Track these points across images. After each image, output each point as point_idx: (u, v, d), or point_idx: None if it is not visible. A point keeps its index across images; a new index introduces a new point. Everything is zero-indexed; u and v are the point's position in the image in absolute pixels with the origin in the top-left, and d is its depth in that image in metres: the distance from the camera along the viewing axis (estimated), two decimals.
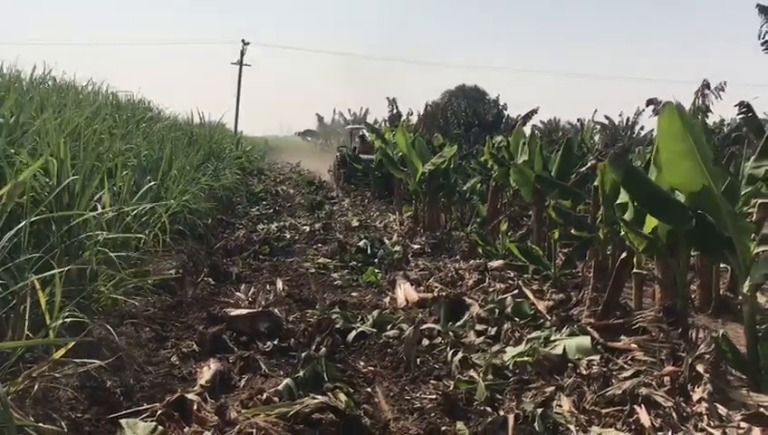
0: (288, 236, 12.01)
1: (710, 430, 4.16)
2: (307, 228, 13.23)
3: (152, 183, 7.67)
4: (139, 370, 4.72)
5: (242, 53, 49.02)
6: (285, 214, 15.73)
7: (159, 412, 3.67)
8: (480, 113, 37.24)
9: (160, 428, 3.49)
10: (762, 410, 4.30)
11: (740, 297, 7.39)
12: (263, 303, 6.89)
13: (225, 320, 5.86)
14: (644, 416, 4.35)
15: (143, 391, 4.41)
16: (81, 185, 5.28)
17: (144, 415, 3.75)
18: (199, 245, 9.59)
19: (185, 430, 3.60)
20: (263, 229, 12.29)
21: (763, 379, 4.82)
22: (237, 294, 7.36)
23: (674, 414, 4.34)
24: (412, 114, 30.86)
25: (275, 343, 5.65)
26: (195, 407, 3.83)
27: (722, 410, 4.36)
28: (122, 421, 3.53)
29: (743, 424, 4.15)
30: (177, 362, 5.07)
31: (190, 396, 3.97)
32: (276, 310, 6.43)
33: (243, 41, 49.24)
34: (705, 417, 4.29)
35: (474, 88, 46.76)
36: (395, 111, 29.87)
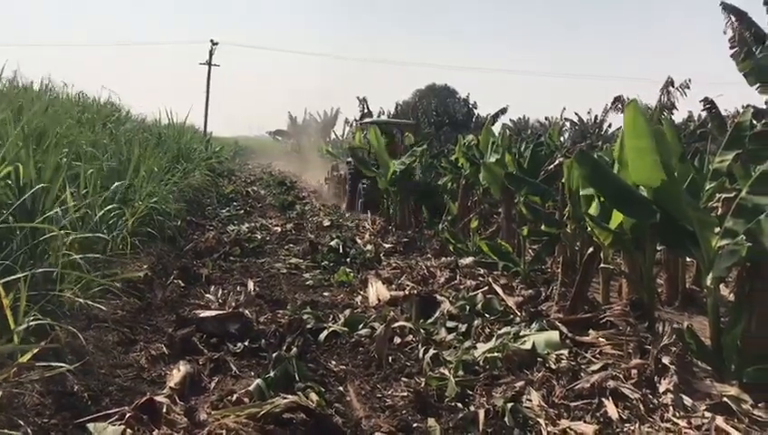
0: (259, 237, 11.94)
1: (676, 420, 4.24)
2: (278, 229, 13.17)
3: (118, 183, 7.56)
4: (107, 374, 4.65)
5: (210, 54, 48.57)
6: (256, 215, 15.65)
7: (128, 416, 3.62)
8: (450, 112, 37.41)
9: (129, 431, 3.45)
10: (725, 399, 4.40)
11: (705, 290, 7.56)
12: (233, 304, 6.85)
13: (195, 322, 5.81)
14: (612, 408, 4.42)
15: (111, 395, 4.34)
16: (44, 187, 5.20)
17: (112, 419, 3.69)
18: (169, 247, 9.49)
19: (154, 433, 3.56)
20: (233, 230, 12.20)
21: (727, 369, 4.92)
22: (207, 295, 7.31)
23: (641, 406, 4.43)
24: (383, 113, 30.91)
25: (246, 344, 5.62)
26: (164, 409, 3.79)
27: (687, 400, 4.46)
28: (90, 426, 3.49)
29: (707, 414, 4.24)
30: (147, 365, 5.01)
31: (159, 399, 3.93)
32: (247, 311, 6.39)
33: (211, 41, 48.78)
34: (671, 408, 4.38)
35: (444, 87, 46.97)
36: (366, 110, 29.87)
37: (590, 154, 6.37)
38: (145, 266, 7.61)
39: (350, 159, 19.00)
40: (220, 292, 7.43)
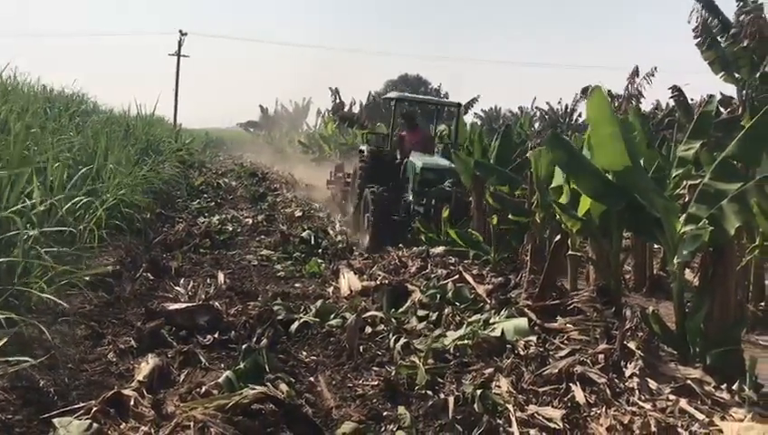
0: (230, 229, 11.85)
1: (641, 403, 4.32)
2: (250, 220, 13.07)
3: (84, 169, 7.45)
4: (73, 368, 4.61)
5: (179, 44, 47.99)
6: (227, 206, 15.51)
7: (94, 410, 3.59)
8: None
9: (95, 425, 3.42)
10: (689, 382, 4.50)
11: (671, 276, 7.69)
12: (203, 296, 6.81)
13: (164, 315, 5.75)
14: (579, 393, 4.49)
15: (78, 389, 4.30)
16: (8, 180, 5.11)
17: (79, 413, 3.66)
18: (137, 239, 9.38)
19: (121, 426, 3.54)
20: (203, 222, 12.09)
21: (691, 353, 5.03)
22: (177, 288, 7.25)
23: (607, 390, 4.49)
24: (355, 104, 30.86)
25: (216, 336, 5.57)
26: (132, 403, 3.76)
27: (652, 384, 4.55)
28: (55, 421, 3.45)
29: (671, 396, 4.33)
30: (114, 359, 4.96)
31: (127, 392, 3.90)
32: (217, 303, 6.35)
33: (180, 31, 48.16)
34: (637, 391, 4.46)
35: (416, 77, 47.05)
36: (338, 100, 29.77)
37: (562, 137, 6.42)
38: (113, 260, 7.53)
39: (362, 147, 14.15)
40: (190, 284, 7.37)
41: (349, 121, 26.29)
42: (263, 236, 11.53)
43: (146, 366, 4.62)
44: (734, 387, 4.45)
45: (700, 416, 4.02)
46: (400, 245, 10.04)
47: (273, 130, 49.64)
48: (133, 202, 9.66)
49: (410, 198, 11.56)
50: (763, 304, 7.62)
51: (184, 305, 5.98)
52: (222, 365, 5.03)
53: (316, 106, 47.05)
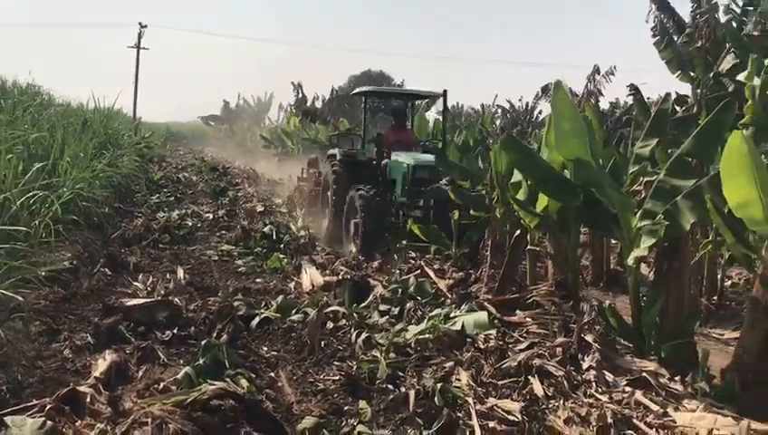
0: (190, 224, 11.71)
1: (598, 395, 4.40)
2: (210, 215, 12.95)
3: (38, 167, 7.28)
4: (28, 365, 4.52)
5: (139, 36, 47.13)
6: (187, 201, 15.32)
7: (49, 407, 3.52)
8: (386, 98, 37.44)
9: (50, 423, 3.35)
10: (644, 374, 4.59)
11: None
12: (162, 292, 6.73)
13: (122, 310, 5.67)
14: (537, 386, 4.55)
15: (33, 386, 4.22)
16: None
17: (32, 411, 3.58)
18: (95, 234, 9.22)
19: (77, 423, 3.48)
20: (163, 217, 11.90)
21: (646, 346, 5.13)
22: (135, 283, 7.15)
23: (565, 383, 4.57)
24: (318, 99, 30.68)
25: (175, 331, 5.52)
26: (88, 400, 3.70)
27: (609, 376, 4.64)
28: (8, 419, 3.37)
29: (627, 389, 4.42)
30: (71, 356, 4.88)
31: (83, 389, 3.84)
32: (176, 299, 6.30)
33: (140, 24, 47.30)
34: (594, 384, 4.55)
35: (379, 73, 46.99)
36: (300, 95, 29.58)
37: (515, 138, 6.51)
38: (70, 255, 7.39)
39: (333, 152, 12.45)
40: (149, 280, 7.28)
41: (312, 116, 26.14)
42: (223, 232, 11.44)
43: (103, 362, 4.57)
44: (687, 379, 4.56)
45: (655, 407, 4.11)
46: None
47: (234, 125, 49.12)
48: (91, 196, 9.50)
49: (402, 199, 10.40)
50: (715, 297, 7.82)
51: (142, 301, 5.91)
52: (181, 361, 4.99)
53: (278, 101, 46.67)
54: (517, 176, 6.63)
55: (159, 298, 6.14)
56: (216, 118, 54.10)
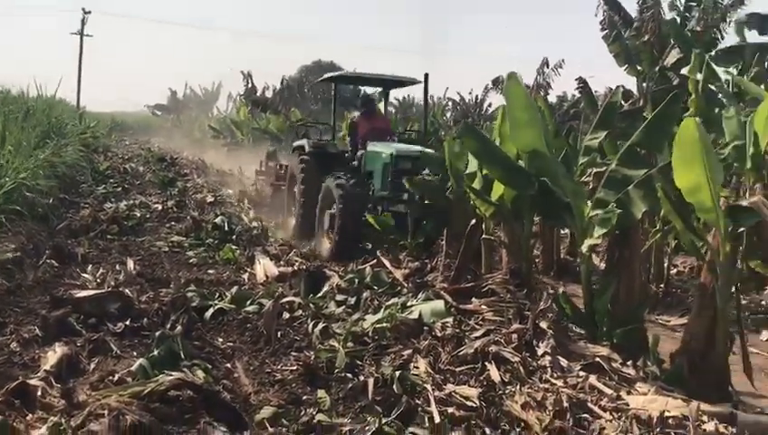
0: (138, 215, 11.48)
1: (553, 380, 4.48)
2: (159, 206, 12.72)
3: None
4: None
5: (83, 23, 45.87)
6: (135, 192, 14.99)
7: None
8: (337, 88, 37.31)
9: None
10: (598, 359, 4.70)
11: (578, 259, 8.00)
12: (112, 283, 6.57)
13: (71, 302, 5.53)
14: (494, 372, 4.62)
15: None
16: None
17: None
18: (40, 225, 8.97)
19: (28, 417, 3.38)
20: (111, 208, 11.62)
21: (598, 332, 5.25)
22: (84, 275, 6.98)
23: (521, 368, 4.64)
24: (268, 88, 30.35)
25: (127, 323, 5.41)
26: (39, 393, 3.60)
27: (563, 361, 4.73)
28: None
29: (581, 373, 4.51)
30: (18, 349, 4.74)
31: (33, 382, 3.73)
32: (127, 290, 6.16)
33: (83, 9, 46.04)
34: (549, 369, 4.63)
35: (330, 64, 46.67)
36: (250, 85, 29.19)
37: (473, 127, 6.55)
38: (13, 246, 7.16)
39: (300, 143, 11.53)
40: (99, 271, 7.11)
41: (262, 106, 25.87)
42: (173, 223, 11.25)
43: (53, 355, 4.45)
44: (638, 363, 4.69)
45: (608, 391, 4.20)
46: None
47: (182, 114, 48.23)
48: (35, 186, 9.22)
49: (382, 193, 9.44)
50: (662, 285, 8.04)
51: (92, 292, 5.78)
52: (135, 353, 4.90)
53: (227, 90, 45.98)
54: (472, 166, 6.69)
55: (110, 290, 5.99)
56: (163, 107, 52.98)
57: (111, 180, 16.53)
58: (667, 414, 3.82)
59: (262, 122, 27.93)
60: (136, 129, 49.51)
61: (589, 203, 5.46)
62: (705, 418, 3.81)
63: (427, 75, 10.83)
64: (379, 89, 12.61)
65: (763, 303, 7.74)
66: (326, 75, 11.94)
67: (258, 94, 28.53)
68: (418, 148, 9.90)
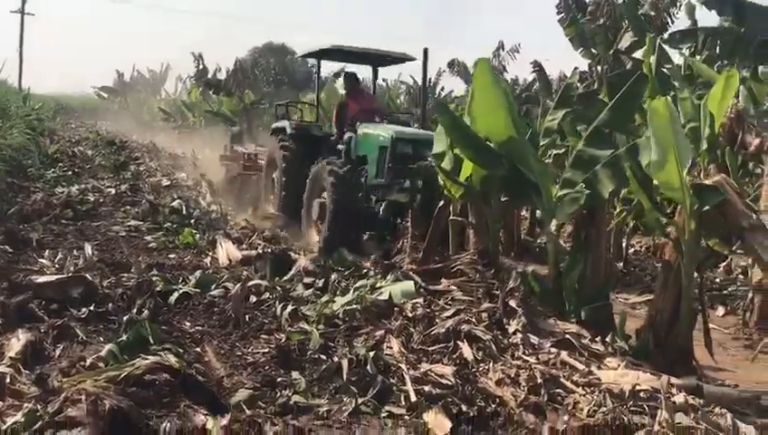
0: (92, 199, 11.18)
1: (525, 357, 4.56)
2: (112, 190, 12.43)
3: None
4: None
5: (23, 1, 44.24)
6: (86, 176, 14.61)
7: None
8: (290, 71, 36.96)
9: None
10: (567, 336, 4.79)
11: (538, 241, 8.15)
12: (71, 268, 6.40)
13: (32, 288, 5.36)
14: (467, 350, 4.68)
15: None
16: None
17: None
18: None
19: None
20: (62, 192, 11.31)
21: (567, 309, 5.35)
22: (41, 260, 6.78)
23: (493, 346, 4.70)
24: (220, 70, 29.82)
25: (91, 308, 5.27)
26: (8, 380, 3.48)
27: (534, 339, 4.81)
28: None
29: (553, 350, 4.60)
30: None
31: (0, 369, 3.61)
32: (88, 275, 6.00)
33: None
34: (521, 346, 4.70)
35: (281, 46, 46.09)
36: (201, 66, 28.62)
37: (445, 104, 6.55)
38: None
39: (281, 124, 10.59)
40: (56, 256, 6.91)
41: (215, 88, 25.45)
42: (128, 207, 10.99)
43: (17, 342, 4.30)
44: (607, 339, 4.80)
45: (580, 366, 4.30)
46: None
47: (129, 97, 47.06)
48: None
49: (378, 180, 8.55)
50: (621, 264, 8.23)
51: (54, 278, 5.61)
52: (101, 338, 4.79)
53: (176, 72, 45.00)
54: (441, 146, 6.70)
55: (72, 275, 5.83)
56: (110, 90, 51.54)
57: (60, 164, 16.08)
58: (638, 387, 3.92)
59: (214, 105, 27.47)
60: (81, 112, 48.18)
61: (556, 183, 5.54)
62: (674, 390, 3.93)
63: (426, 50, 9.98)
64: (368, 67, 11.35)
65: (717, 280, 8.02)
66: (316, 49, 10.42)
67: (210, 76, 28.05)
68: (419, 130, 9.28)
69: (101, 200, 11.40)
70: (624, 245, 8.46)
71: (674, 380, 4.07)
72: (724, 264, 8.27)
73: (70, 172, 14.83)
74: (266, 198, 10.90)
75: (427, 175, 7.46)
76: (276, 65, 36.34)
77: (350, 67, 12.00)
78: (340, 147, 9.44)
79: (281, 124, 10.59)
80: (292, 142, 9.92)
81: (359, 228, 8.42)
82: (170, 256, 7.98)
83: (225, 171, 13.98)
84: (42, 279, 5.56)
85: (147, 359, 3.70)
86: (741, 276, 7.99)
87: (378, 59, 10.90)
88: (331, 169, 8.49)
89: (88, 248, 7.47)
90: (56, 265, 6.55)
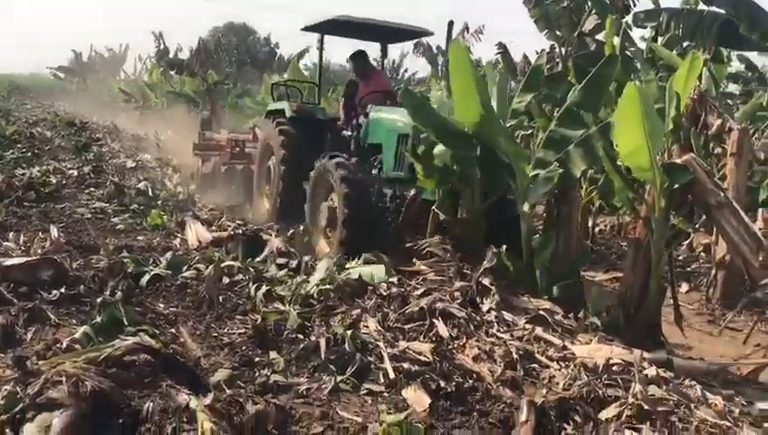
0: (54, 181, 10.96)
1: (500, 334, 4.63)
2: (75, 172, 12.19)
3: None
4: None
5: None
6: (47, 157, 14.29)
7: None
8: (252, 51, 36.55)
9: None
10: (541, 312, 4.89)
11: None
12: (39, 251, 6.27)
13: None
14: (442, 327, 4.74)
15: None
16: None
17: None
18: None
19: None
20: (23, 174, 11.06)
21: (539, 287, 5.45)
22: (6, 243, 6.62)
23: (468, 323, 4.77)
24: (182, 50, 29.31)
25: (62, 291, 5.18)
26: None
27: (508, 316, 4.89)
28: None
29: (527, 326, 4.68)
30: None
31: None
32: (57, 257, 5.89)
33: None
34: (496, 324, 4.78)
35: (242, 26, 45.52)
36: (162, 46, 28.09)
37: (413, 92, 6.56)
38: None
39: (279, 106, 9.50)
40: (21, 238, 6.76)
41: (177, 68, 25.00)
42: (92, 189, 10.81)
43: None
44: (579, 315, 4.90)
45: (556, 341, 4.39)
46: None
47: (87, 77, 45.99)
48: None
49: (397, 174, 7.41)
50: (588, 242, 8.39)
51: (22, 260, 5.48)
52: (73, 321, 4.70)
53: (135, 52, 44.13)
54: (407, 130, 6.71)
55: (41, 257, 5.71)
56: (67, 70, 50.27)
57: (19, 145, 15.69)
58: (611, 361, 4.03)
59: (176, 85, 27.01)
60: (37, 92, 46.96)
61: (529, 163, 5.61)
62: (645, 364, 4.04)
63: (451, 23, 9.35)
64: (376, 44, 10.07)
65: (681, 257, 8.22)
66: (322, 19, 8.81)
67: (171, 56, 27.56)
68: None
69: (64, 182, 11.18)
70: (590, 224, 8.61)
71: (645, 354, 4.18)
72: (687, 241, 8.49)
73: (29, 154, 14.49)
74: (259, 188, 9.69)
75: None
76: (239, 45, 35.87)
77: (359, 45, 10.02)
78: (346, 133, 8.50)
79: (279, 105, 9.50)
80: (292, 127, 8.81)
81: (374, 233, 6.79)
82: (138, 237, 7.88)
83: (200, 162, 12.41)
84: (9, 262, 5.43)
85: (126, 340, 3.67)
86: (703, 254, 8.21)
87: (392, 34, 9.63)
88: (338, 161, 7.11)
89: (54, 231, 7.31)
90: (22, 248, 6.42)
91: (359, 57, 9.26)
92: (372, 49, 9.92)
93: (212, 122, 13.37)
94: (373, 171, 7.32)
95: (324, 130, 8.80)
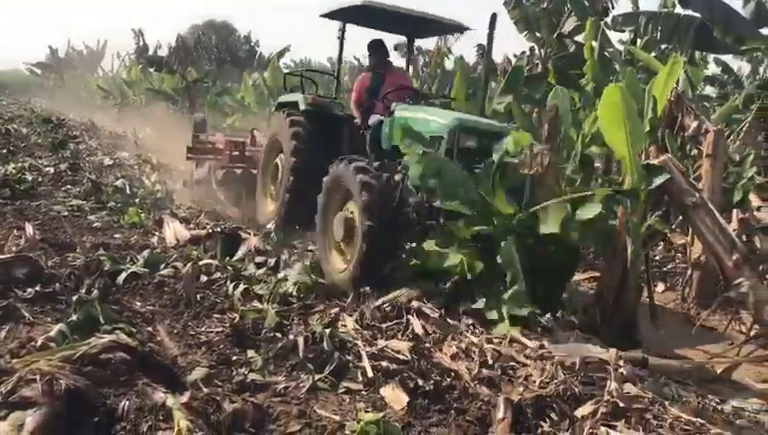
0: (30, 178, 10.79)
1: (473, 339, 4.64)
2: (51, 169, 12.05)
3: None
4: None
5: None
6: (23, 154, 14.10)
7: None
8: (232, 49, 36.38)
9: None
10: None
11: None
12: (13, 249, 6.19)
13: None
14: (417, 325, 4.76)
15: None
16: None
17: None
18: None
19: None
20: None
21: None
22: None
23: (443, 324, 4.81)
24: (161, 47, 29.09)
25: (37, 289, 5.12)
26: None
27: None
28: None
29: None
30: None
31: None
32: (32, 255, 5.83)
33: None
34: (472, 326, 4.80)
35: (222, 24, 45.31)
36: (142, 43, 27.86)
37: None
38: None
39: (293, 98, 8.45)
40: None
41: (157, 65, 24.81)
42: (69, 186, 10.69)
43: None
44: (557, 315, 4.94)
45: (531, 344, 4.40)
46: None
47: (64, 74, 45.50)
48: None
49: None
50: None
51: None
52: (49, 319, 4.64)
53: (114, 49, 43.73)
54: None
55: (15, 254, 5.65)
56: (44, 66, 49.70)
57: None
58: (588, 360, 4.06)
59: (155, 82, 26.81)
60: (13, 88, 46.38)
61: None
62: (621, 362, 4.08)
63: (494, 16, 7.36)
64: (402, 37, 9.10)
65: (657, 257, 8.31)
66: (343, 5, 7.76)
67: (150, 53, 27.35)
68: (482, 118, 6.99)
69: (40, 179, 11.04)
70: None
71: (622, 352, 4.22)
72: (663, 241, 8.58)
73: (5, 150, 14.28)
74: (264, 189, 8.88)
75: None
76: (219, 43, 35.70)
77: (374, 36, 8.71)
78: (365, 132, 7.60)
79: (291, 97, 8.51)
80: (306, 121, 7.95)
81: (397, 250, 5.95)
82: (116, 235, 7.81)
83: (195, 166, 11.48)
84: None
85: (102, 338, 3.63)
86: (679, 254, 8.30)
87: (424, 27, 8.60)
88: (357, 165, 6.17)
89: (29, 228, 7.22)
90: None
91: (381, 48, 8.26)
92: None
93: (206, 124, 12.23)
94: (396, 177, 6.10)
95: (341, 127, 7.89)
